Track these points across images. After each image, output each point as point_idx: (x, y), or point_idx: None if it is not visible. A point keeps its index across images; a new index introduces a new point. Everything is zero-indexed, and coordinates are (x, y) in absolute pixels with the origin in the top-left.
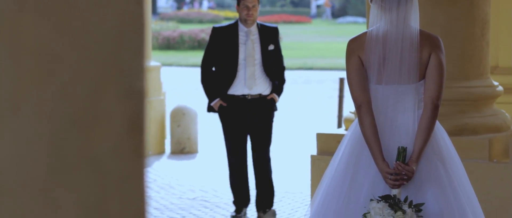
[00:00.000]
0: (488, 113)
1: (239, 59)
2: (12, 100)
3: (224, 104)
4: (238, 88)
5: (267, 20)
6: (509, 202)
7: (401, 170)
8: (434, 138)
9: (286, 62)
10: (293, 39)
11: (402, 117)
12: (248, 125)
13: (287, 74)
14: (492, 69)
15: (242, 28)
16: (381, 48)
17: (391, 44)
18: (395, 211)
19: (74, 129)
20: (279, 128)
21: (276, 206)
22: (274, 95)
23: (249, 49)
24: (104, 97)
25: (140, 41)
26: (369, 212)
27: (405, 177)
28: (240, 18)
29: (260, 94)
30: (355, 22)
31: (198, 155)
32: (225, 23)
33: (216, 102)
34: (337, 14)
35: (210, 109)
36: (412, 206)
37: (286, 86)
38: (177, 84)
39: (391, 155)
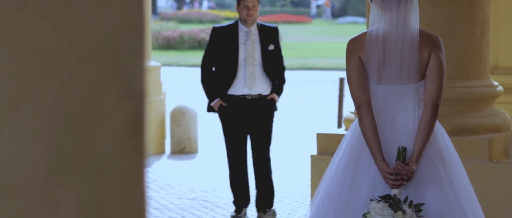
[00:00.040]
0: (488, 113)
1: (239, 59)
2: (12, 100)
3: (224, 104)
4: (238, 88)
5: (267, 20)
6: (509, 202)
7: (401, 170)
8: (434, 138)
9: (286, 62)
10: (293, 39)
11: (402, 116)
12: (248, 125)
13: (287, 74)
14: (492, 69)
15: (242, 28)
16: (381, 48)
17: (391, 44)
18: (395, 211)
19: (74, 129)
20: (279, 128)
21: (276, 206)
22: (274, 95)
23: (249, 49)
24: (104, 97)
25: (140, 41)
26: (369, 212)
27: (405, 177)
28: (240, 18)
29: (260, 94)
30: (355, 22)
31: (198, 155)
32: (225, 23)
33: (216, 102)
34: (337, 14)
35: (210, 108)
36: (412, 206)
37: (286, 86)
38: (177, 84)
39: (391, 155)
